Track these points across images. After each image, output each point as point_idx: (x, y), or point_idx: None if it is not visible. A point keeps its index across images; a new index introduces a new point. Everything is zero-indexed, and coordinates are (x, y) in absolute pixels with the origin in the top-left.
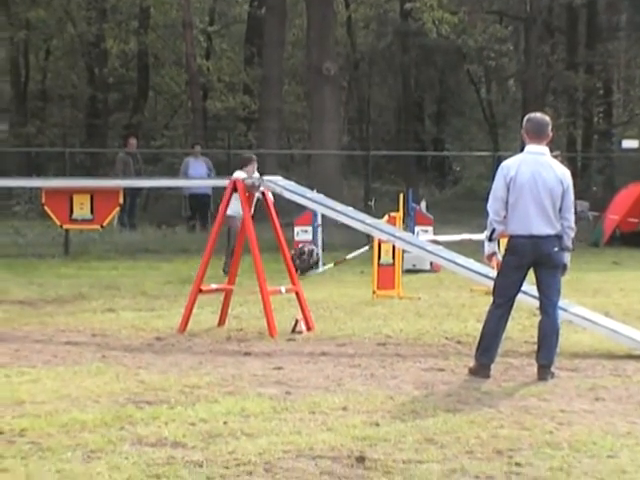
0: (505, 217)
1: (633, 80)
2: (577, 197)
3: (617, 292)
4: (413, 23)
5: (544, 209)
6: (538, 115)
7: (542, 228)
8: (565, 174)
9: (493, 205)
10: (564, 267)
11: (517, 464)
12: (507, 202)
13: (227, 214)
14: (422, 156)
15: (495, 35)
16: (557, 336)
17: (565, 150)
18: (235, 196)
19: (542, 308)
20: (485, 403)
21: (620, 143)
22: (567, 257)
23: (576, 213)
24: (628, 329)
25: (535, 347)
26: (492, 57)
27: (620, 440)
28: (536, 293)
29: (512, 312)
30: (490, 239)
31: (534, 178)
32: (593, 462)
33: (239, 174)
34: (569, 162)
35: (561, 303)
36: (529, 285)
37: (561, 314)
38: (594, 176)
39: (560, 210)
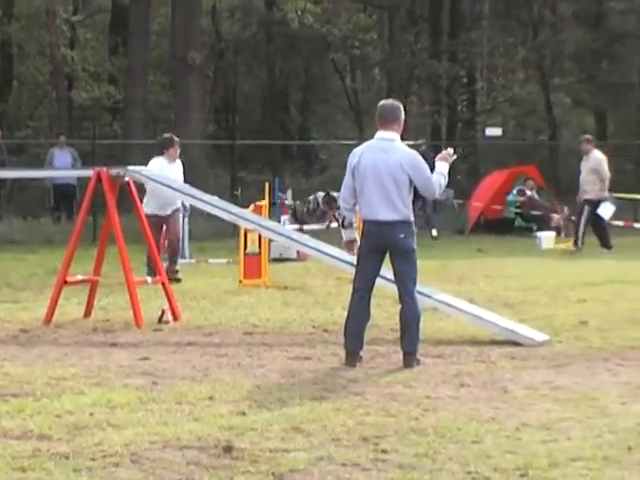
0: (355, 204)
1: (496, 69)
2: None
3: (482, 279)
4: (277, 12)
5: (388, 195)
6: (387, 101)
7: (386, 214)
8: (410, 158)
9: (342, 193)
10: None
11: (383, 451)
12: (355, 189)
13: (146, 213)
14: (288, 145)
15: (359, 24)
16: (418, 323)
17: (430, 138)
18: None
19: (400, 297)
20: (351, 390)
21: (484, 131)
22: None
23: (441, 201)
24: (492, 315)
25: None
26: (356, 46)
27: (484, 426)
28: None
29: (378, 300)
30: (343, 226)
31: (376, 164)
32: (458, 447)
33: (157, 161)
34: (434, 150)
35: (425, 290)
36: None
37: (426, 301)
38: (458, 164)
39: (416, 190)
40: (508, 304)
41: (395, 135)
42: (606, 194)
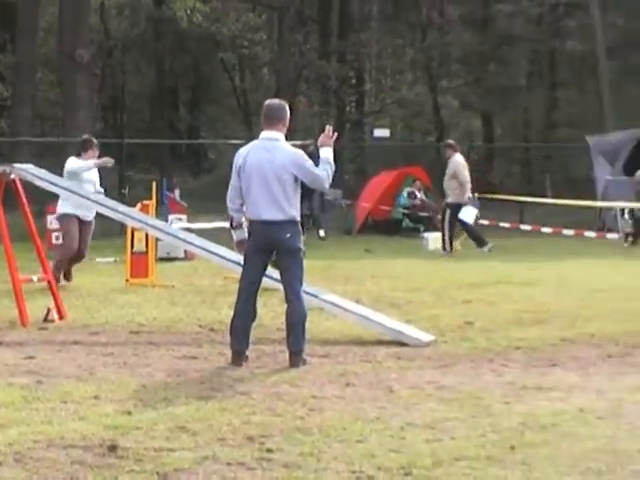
0: (242, 204)
1: (384, 70)
2: (330, 185)
3: (368, 279)
4: (166, 10)
5: (273, 194)
6: (272, 101)
7: (272, 213)
8: (294, 157)
9: (229, 193)
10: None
11: (268, 450)
12: (242, 189)
13: (64, 212)
14: (177, 144)
15: (248, 24)
16: (304, 323)
17: (317, 138)
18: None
19: (286, 296)
20: (237, 390)
21: (372, 132)
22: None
23: (329, 201)
24: (379, 316)
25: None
26: (245, 45)
27: (369, 425)
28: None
29: (265, 299)
30: (232, 227)
31: (261, 164)
32: (343, 447)
33: (73, 161)
34: None
35: (312, 290)
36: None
37: (312, 301)
38: (346, 165)
39: (308, 190)
40: (395, 304)
41: (280, 135)
42: (466, 198)
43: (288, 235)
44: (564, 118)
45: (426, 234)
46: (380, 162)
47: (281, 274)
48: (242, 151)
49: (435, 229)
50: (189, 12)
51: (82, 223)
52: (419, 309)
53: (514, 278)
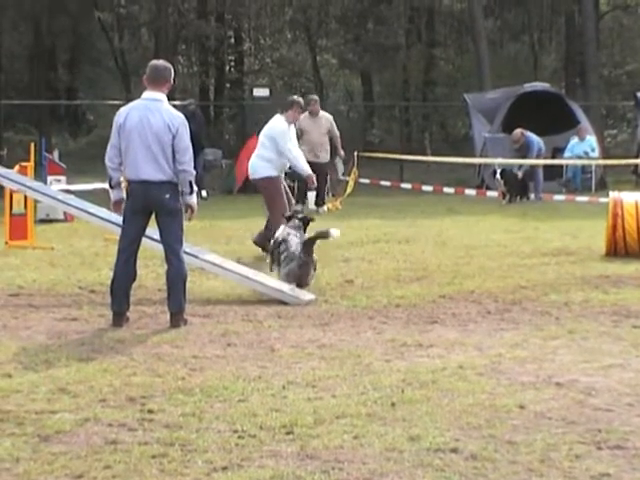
0: (121, 164)
1: (264, 29)
2: (210, 145)
3: (249, 238)
4: None
5: (153, 155)
6: (158, 62)
7: (151, 173)
8: (174, 119)
9: (108, 152)
10: (190, 209)
11: (150, 411)
12: (121, 149)
13: None
14: (55, 105)
15: None
16: (184, 283)
17: (198, 99)
18: None
19: (166, 256)
20: (119, 351)
21: (251, 91)
22: (192, 199)
23: (209, 161)
24: (259, 275)
25: None
26: (123, 5)
27: (251, 384)
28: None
29: (146, 260)
30: (111, 186)
31: (142, 124)
32: (225, 406)
33: None
34: (202, 111)
35: (193, 250)
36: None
37: (193, 261)
38: (226, 124)
39: (174, 155)
40: None
41: (162, 96)
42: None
43: (167, 195)
44: (442, 76)
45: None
46: (260, 122)
47: (161, 235)
48: (123, 110)
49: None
50: None
51: None
52: None
53: (393, 236)
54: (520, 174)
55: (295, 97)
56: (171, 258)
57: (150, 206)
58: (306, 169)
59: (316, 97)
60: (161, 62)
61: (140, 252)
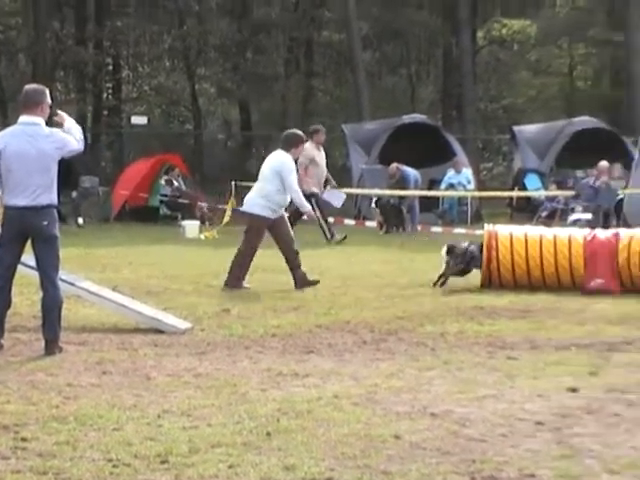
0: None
1: (142, 57)
2: (87, 173)
3: (126, 267)
4: None
5: (32, 181)
6: (31, 86)
7: (28, 200)
8: (60, 142)
9: None
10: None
11: (23, 439)
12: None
13: None
14: None
15: (3, 8)
16: (60, 311)
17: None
18: None
19: (41, 283)
20: None
21: (129, 119)
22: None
23: (86, 189)
24: (135, 303)
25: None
26: (1, 30)
27: (126, 413)
28: None
29: (21, 287)
30: None
31: (23, 150)
32: (99, 435)
33: None
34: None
35: (69, 278)
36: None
37: (69, 289)
38: (104, 151)
39: (69, 178)
40: (152, 292)
41: (39, 120)
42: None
43: (45, 222)
44: (321, 107)
45: (184, 222)
46: (138, 149)
47: (37, 261)
48: (1, 136)
49: (193, 217)
50: None
51: None
52: (176, 297)
53: (270, 266)
54: (405, 209)
55: (297, 132)
56: (47, 285)
57: (27, 232)
58: (306, 205)
59: (322, 127)
60: (34, 86)
61: (15, 279)
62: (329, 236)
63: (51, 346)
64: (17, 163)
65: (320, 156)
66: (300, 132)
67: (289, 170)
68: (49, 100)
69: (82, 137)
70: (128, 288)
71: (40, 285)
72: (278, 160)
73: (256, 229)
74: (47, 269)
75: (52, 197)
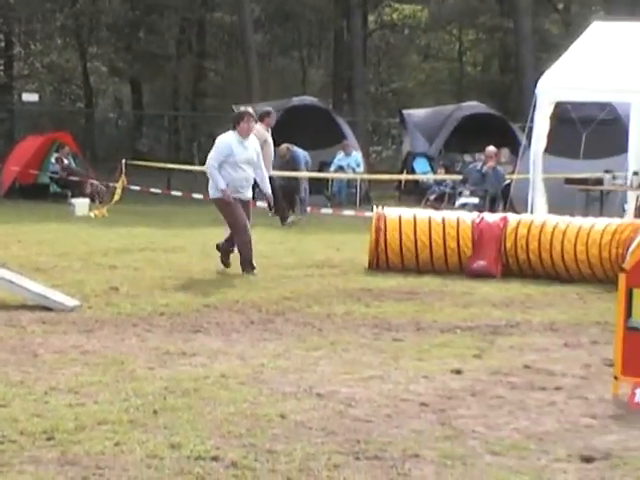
0: None
1: (34, 34)
2: None
3: (14, 244)
4: None
5: None
6: None
7: None
8: None
9: None
10: None
11: None
12: None
13: None
14: None
15: None
16: None
17: None
18: None
19: None
20: None
21: (20, 96)
22: None
23: None
24: (24, 280)
25: None
26: None
27: (13, 389)
28: None
29: None
30: None
31: None
32: None
33: None
34: None
35: None
36: None
37: None
38: None
39: None
40: (40, 269)
41: None
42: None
43: None
44: (212, 87)
45: (74, 200)
46: (29, 127)
47: None
48: None
49: (83, 195)
50: None
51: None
52: (65, 274)
53: (160, 245)
54: (303, 193)
55: (240, 110)
56: None
57: None
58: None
59: (273, 110)
60: None
61: None
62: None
63: None
64: None
65: (270, 137)
66: (245, 109)
67: (213, 148)
68: None
69: None
70: (16, 265)
71: None
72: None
73: (223, 208)
74: None
75: None
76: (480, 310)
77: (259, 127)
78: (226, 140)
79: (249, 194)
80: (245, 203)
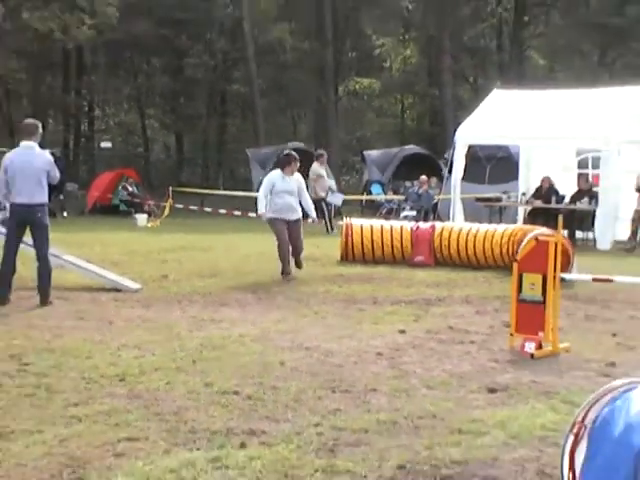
0: (7, 193)
1: (109, 101)
2: (70, 180)
3: (97, 245)
4: None
5: (30, 186)
6: (27, 120)
7: (28, 199)
8: (47, 161)
9: None
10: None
11: (25, 364)
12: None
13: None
14: None
15: (13, 67)
16: (49, 276)
17: (62, 148)
18: None
19: (37, 257)
20: (3, 322)
21: (99, 144)
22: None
23: (70, 192)
24: (102, 270)
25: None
26: (10, 82)
27: (95, 346)
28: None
29: (23, 259)
30: (1, 209)
31: (23, 164)
32: (77, 361)
33: None
34: (64, 156)
35: (56, 252)
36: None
37: (56, 260)
38: (81, 165)
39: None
40: (114, 263)
41: (34, 144)
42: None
43: (38, 215)
44: (231, 137)
45: (136, 215)
46: (105, 164)
47: (34, 242)
48: (8, 154)
49: (143, 212)
50: None
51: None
52: (131, 266)
53: (196, 245)
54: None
55: (291, 152)
56: (40, 258)
57: (25, 222)
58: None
59: (325, 152)
60: (30, 120)
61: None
62: (329, 229)
63: (44, 300)
64: (19, 173)
65: (324, 171)
66: (290, 152)
67: (263, 183)
68: (41, 130)
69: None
70: (98, 260)
71: (36, 258)
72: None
73: (271, 226)
74: (40, 247)
75: (43, 197)
76: (417, 289)
77: (316, 165)
78: (271, 176)
79: (294, 216)
80: (292, 222)
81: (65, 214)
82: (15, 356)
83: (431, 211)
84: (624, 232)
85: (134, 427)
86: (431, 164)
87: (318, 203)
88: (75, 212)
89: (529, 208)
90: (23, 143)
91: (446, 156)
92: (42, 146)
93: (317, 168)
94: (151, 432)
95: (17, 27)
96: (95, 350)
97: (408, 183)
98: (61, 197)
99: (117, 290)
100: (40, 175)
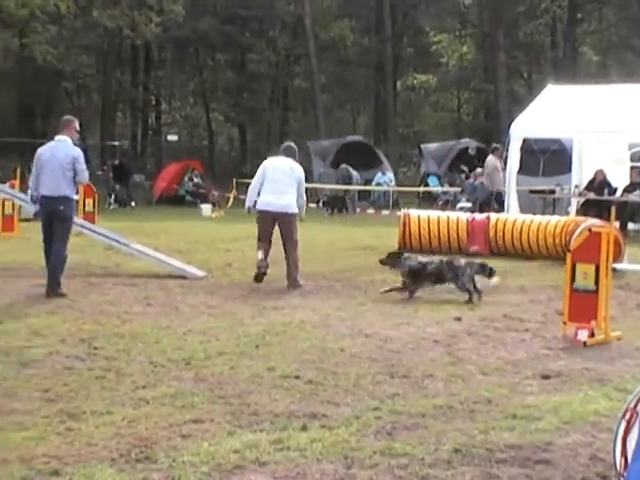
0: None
1: (175, 96)
2: (137, 172)
3: (163, 235)
4: (28, 52)
5: (55, 178)
6: (65, 116)
7: (51, 191)
8: (75, 155)
9: (31, 179)
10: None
11: (95, 347)
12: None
13: None
14: (33, 143)
15: (83, 63)
16: (60, 265)
17: (130, 141)
18: None
19: (53, 248)
20: (74, 307)
21: (166, 137)
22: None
23: (137, 182)
24: (169, 258)
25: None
26: (81, 77)
27: (162, 331)
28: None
29: (93, 248)
30: (33, 202)
31: (50, 157)
32: (145, 346)
33: None
34: (132, 149)
35: (125, 241)
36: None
37: (125, 249)
38: (149, 158)
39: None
40: (180, 251)
41: (67, 138)
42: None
43: (61, 207)
44: (292, 130)
45: (202, 205)
46: (171, 156)
47: (53, 233)
48: (40, 148)
49: (207, 202)
50: (44, 53)
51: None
52: (196, 254)
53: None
54: (348, 199)
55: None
56: (54, 249)
57: (50, 213)
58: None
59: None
60: (67, 116)
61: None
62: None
63: (51, 289)
64: (46, 166)
65: (499, 165)
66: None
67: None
68: (77, 126)
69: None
70: (164, 248)
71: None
72: (297, 167)
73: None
74: (58, 239)
75: (67, 190)
76: None
77: (491, 157)
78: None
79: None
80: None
81: (133, 204)
82: (85, 340)
83: (486, 203)
84: None
85: (199, 409)
86: (485, 157)
87: (490, 195)
88: (143, 202)
89: (582, 200)
90: (56, 137)
91: (498, 146)
92: (111, 139)
93: (493, 161)
94: (216, 414)
95: (88, 24)
96: (162, 335)
97: (463, 175)
98: (129, 187)
99: (183, 277)
100: (65, 168)
